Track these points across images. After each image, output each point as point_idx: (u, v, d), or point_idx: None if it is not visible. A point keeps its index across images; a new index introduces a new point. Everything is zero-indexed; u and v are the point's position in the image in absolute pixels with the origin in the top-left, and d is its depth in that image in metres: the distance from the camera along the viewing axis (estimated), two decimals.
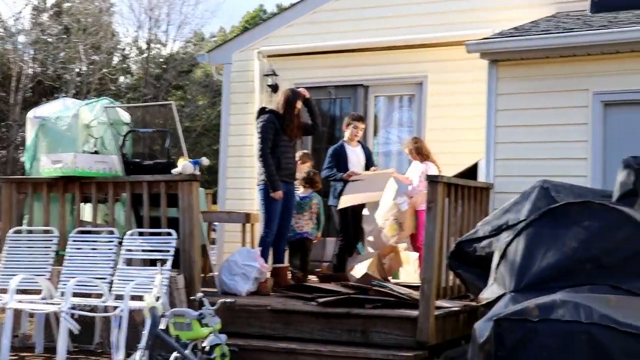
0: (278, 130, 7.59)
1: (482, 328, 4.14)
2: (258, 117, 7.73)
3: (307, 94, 7.82)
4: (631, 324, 3.96)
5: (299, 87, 8.23)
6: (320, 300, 6.64)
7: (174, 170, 7.24)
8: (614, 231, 4.63)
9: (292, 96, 7.72)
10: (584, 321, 4.02)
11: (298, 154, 8.82)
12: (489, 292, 4.92)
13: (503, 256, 4.84)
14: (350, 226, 8.23)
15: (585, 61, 7.42)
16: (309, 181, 8.40)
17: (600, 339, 4.01)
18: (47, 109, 8.46)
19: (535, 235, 4.78)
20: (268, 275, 7.68)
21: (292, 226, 8.12)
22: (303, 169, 8.71)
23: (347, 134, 8.34)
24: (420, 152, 8.28)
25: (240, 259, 7.47)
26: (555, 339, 4.07)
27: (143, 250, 7.19)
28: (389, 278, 7.96)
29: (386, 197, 8.26)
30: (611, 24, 7.41)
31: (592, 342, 4.01)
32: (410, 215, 8.07)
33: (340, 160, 8.26)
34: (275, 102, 7.95)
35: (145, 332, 5.80)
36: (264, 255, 7.59)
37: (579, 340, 4.01)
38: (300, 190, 8.34)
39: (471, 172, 8.07)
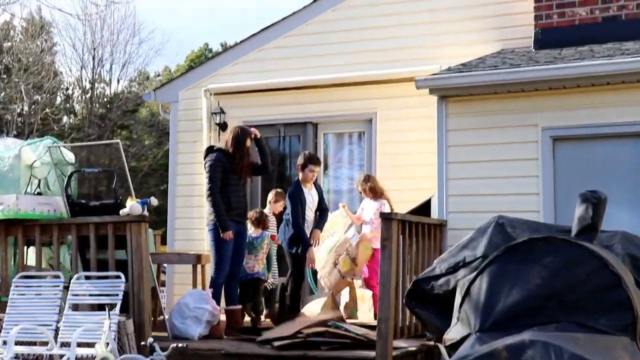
0: (227, 169, 7.47)
1: None
2: (206, 156, 7.61)
3: (257, 134, 7.72)
4: None
5: (248, 126, 8.13)
6: (276, 343, 6.49)
7: (122, 211, 7.06)
8: (577, 267, 4.57)
9: (241, 134, 7.61)
10: None
11: (271, 193, 8.69)
12: (453, 332, 4.82)
13: (466, 295, 4.75)
14: (303, 267, 8.06)
15: (533, 96, 7.50)
16: (259, 221, 8.25)
17: None
18: None
19: (498, 272, 4.71)
20: (221, 317, 7.49)
21: (243, 266, 7.95)
22: (277, 208, 8.58)
23: (302, 175, 8.14)
24: (374, 191, 8.28)
25: (191, 301, 7.29)
26: None
27: (90, 295, 6.97)
28: (345, 318, 7.83)
29: (337, 229, 8.21)
30: (556, 60, 7.52)
31: None
32: (362, 250, 8.00)
33: (300, 204, 8.07)
34: (224, 141, 7.82)
35: None
36: (216, 297, 7.41)
37: None
38: (251, 230, 8.20)
39: (424, 209, 8.05)
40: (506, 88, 7.53)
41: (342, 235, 8.25)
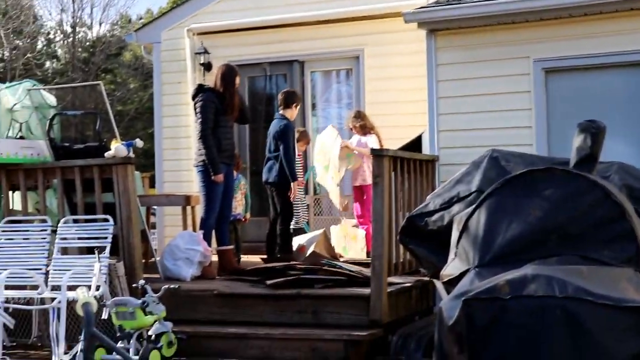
0: (218, 109, 7.28)
1: (450, 308, 3.93)
2: (196, 95, 7.39)
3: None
4: (607, 295, 3.80)
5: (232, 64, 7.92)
6: (269, 282, 6.45)
7: (107, 154, 6.92)
8: (580, 198, 4.46)
9: (229, 72, 7.41)
10: (558, 295, 3.82)
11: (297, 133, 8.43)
12: (451, 268, 4.74)
13: (464, 229, 4.65)
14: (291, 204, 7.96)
15: (525, 28, 7.35)
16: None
17: (576, 313, 3.81)
18: None
19: (497, 206, 4.60)
20: (213, 258, 7.43)
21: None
22: (301, 149, 8.58)
23: (290, 112, 7.95)
24: (364, 128, 8.20)
25: (182, 243, 7.22)
26: (529, 316, 3.86)
27: (79, 238, 6.88)
28: (338, 255, 7.81)
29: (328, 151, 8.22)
30: None
31: (568, 317, 3.81)
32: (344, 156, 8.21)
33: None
34: (212, 80, 7.59)
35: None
36: (207, 238, 7.33)
37: (554, 315, 3.79)
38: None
39: (415, 145, 7.96)
40: (497, 20, 7.37)
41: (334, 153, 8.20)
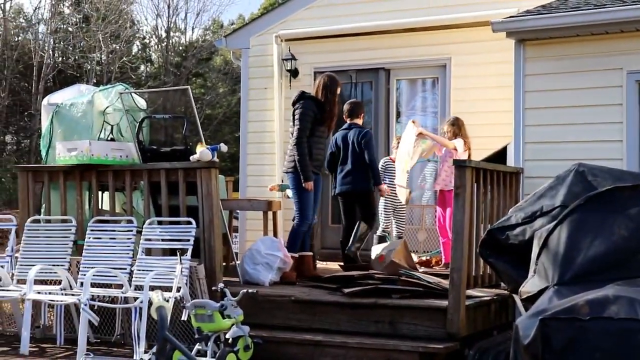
0: (317, 118, 7.35)
1: (526, 327, 3.81)
2: (297, 101, 7.44)
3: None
4: None
5: (321, 71, 7.98)
6: (347, 290, 6.44)
7: (192, 157, 7.06)
8: None
9: (331, 82, 7.46)
10: None
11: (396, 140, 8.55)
12: (530, 285, 4.61)
13: (544, 245, 4.52)
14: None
15: (619, 38, 7.11)
16: None
17: None
18: (62, 96, 8.30)
19: (580, 222, 4.45)
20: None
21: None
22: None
23: (362, 121, 8.09)
24: (456, 135, 8.09)
25: (263, 248, 7.29)
26: (609, 338, 3.70)
27: (162, 240, 7.04)
28: (417, 265, 7.73)
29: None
30: None
31: None
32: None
33: None
34: (313, 89, 7.61)
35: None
36: (296, 244, 7.40)
37: (636, 339, 3.65)
38: None
39: (500, 157, 7.80)
40: (589, 30, 7.15)
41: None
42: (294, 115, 7.40)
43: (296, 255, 7.44)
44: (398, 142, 8.52)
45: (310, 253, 7.70)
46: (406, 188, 8.36)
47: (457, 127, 8.15)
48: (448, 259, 7.39)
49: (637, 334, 3.69)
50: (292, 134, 7.41)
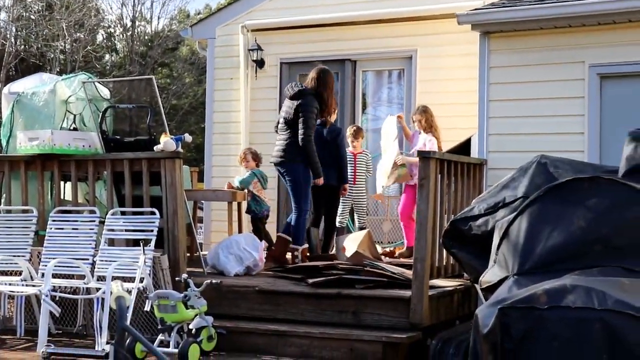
0: (317, 113, 7.44)
1: (485, 316, 3.84)
2: (299, 97, 7.39)
3: None
4: None
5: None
6: (311, 281, 6.44)
7: (156, 147, 7.00)
8: (626, 209, 4.32)
9: (324, 75, 7.49)
10: (597, 307, 3.69)
11: (352, 129, 8.59)
12: (490, 275, 4.66)
13: (505, 236, 4.56)
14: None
15: (581, 32, 7.20)
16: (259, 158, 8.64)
17: (615, 327, 3.69)
18: (23, 84, 8.19)
19: (540, 213, 4.49)
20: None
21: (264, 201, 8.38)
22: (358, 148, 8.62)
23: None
24: (429, 124, 8.06)
25: (244, 242, 7.30)
26: (567, 327, 3.75)
27: (126, 230, 6.97)
28: (381, 256, 7.76)
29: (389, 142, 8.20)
30: None
31: (607, 330, 3.69)
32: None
33: None
34: (306, 83, 7.57)
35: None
36: (303, 236, 7.48)
37: (593, 328, 3.67)
38: (252, 165, 8.49)
39: (464, 149, 7.86)
40: (552, 23, 7.23)
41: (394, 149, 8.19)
42: (297, 110, 7.34)
43: (306, 246, 7.56)
44: (354, 132, 8.53)
45: (289, 239, 7.66)
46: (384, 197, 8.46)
47: (428, 115, 8.11)
48: (410, 243, 7.49)
49: (594, 323, 3.74)
50: (281, 123, 7.49)
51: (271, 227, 8.94)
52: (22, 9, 24.08)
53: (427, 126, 8.09)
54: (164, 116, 7.61)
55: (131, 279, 6.40)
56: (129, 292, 6.20)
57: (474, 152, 7.60)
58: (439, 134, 8.16)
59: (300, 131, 7.30)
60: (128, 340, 5.69)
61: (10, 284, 6.82)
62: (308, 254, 7.67)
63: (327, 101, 7.48)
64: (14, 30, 24.07)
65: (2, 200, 7.72)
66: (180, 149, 6.99)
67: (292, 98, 7.45)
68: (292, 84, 7.63)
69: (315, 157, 7.35)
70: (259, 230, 8.37)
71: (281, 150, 7.46)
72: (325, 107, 7.49)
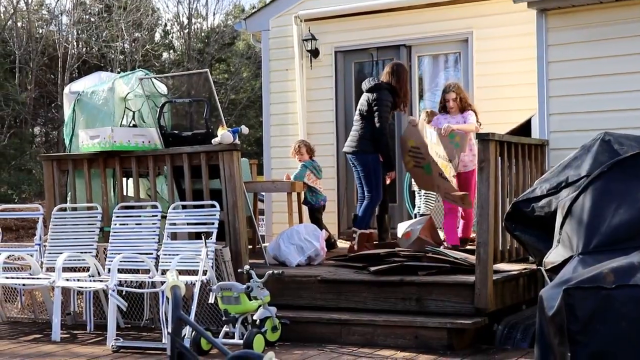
0: (391, 106, 7.68)
1: (550, 297, 3.73)
2: (375, 90, 7.66)
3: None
4: None
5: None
6: (373, 268, 6.41)
7: (213, 141, 7.05)
8: None
9: (398, 70, 7.72)
10: None
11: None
12: (554, 255, 4.52)
13: (568, 214, 4.42)
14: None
15: None
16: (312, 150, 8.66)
17: None
18: (82, 84, 8.31)
19: (604, 190, 4.34)
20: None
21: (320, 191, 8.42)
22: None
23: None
24: (463, 103, 7.67)
25: (304, 231, 7.38)
26: (636, 307, 3.60)
27: (187, 224, 7.04)
28: (443, 242, 7.66)
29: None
30: None
31: None
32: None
33: None
34: (383, 76, 7.80)
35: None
36: (367, 221, 7.61)
37: None
38: (305, 158, 8.52)
39: (524, 130, 7.70)
40: None
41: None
42: (371, 103, 7.59)
43: (367, 231, 7.66)
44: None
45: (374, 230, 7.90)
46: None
47: (463, 92, 7.72)
48: (450, 241, 7.31)
49: None
50: (357, 115, 7.76)
51: (330, 217, 8.93)
52: (82, 12, 24.58)
53: (466, 103, 7.68)
54: (220, 109, 7.65)
55: (194, 272, 6.47)
56: (193, 284, 6.27)
57: (535, 133, 7.44)
58: (475, 108, 7.79)
59: (376, 122, 7.53)
60: (193, 333, 5.75)
61: (78, 280, 6.96)
62: (376, 242, 7.77)
63: (401, 94, 7.68)
64: (75, 33, 24.59)
65: (68, 199, 7.88)
66: (237, 141, 7.02)
67: (368, 91, 7.71)
68: (369, 79, 7.90)
69: (389, 150, 7.66)
70: (317, 220, 8.37)
71: (354, 141, 7.68)
72: (399, 100, 7.69)
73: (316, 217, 8.41)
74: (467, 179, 7.46)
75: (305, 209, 8.68)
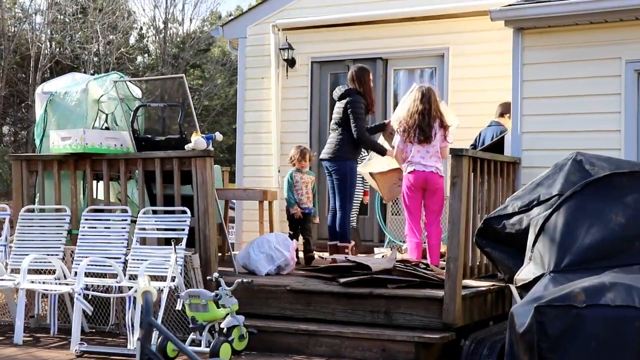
0: (365, 109, 7.67)
1: (521, 314, 3.75)
2: (346, 96, 7.67)
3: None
4: None
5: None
6: (342, 280, 6.39)
7: (186, 146, 7.00)
8: None
9: (361, 72, 7.73)
10: (637, 306, 3.59)
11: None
12: (525, 272, 4.55)
13: (540, 232, 4.46)
14: None
15: (618, 27, 7.05)
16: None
17: None
18: (56, 84, 8.23)
19: (577, 209, 4.38)
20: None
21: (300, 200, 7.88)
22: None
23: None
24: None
25: (275, 240, 7.28)
26: (605, 326, 3.64)
27: (157, 229, 6.99)
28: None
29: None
30: None
31: None
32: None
33: None
34: (348, 83, 7.82)
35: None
36: (348, 232, 7.60)
37: (632, 327, 3.59)
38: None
39: (497, 147, 7.74)
40: (588, 19, 7.09)
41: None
42: (346, 109, 7.58)
43: (351, 244, 7.71)
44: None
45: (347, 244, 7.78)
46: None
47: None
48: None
49: (634, 321, 3.63)
50: (332, 124, 7.73)
51: None
52: (57, 12, 24.37)
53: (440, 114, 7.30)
54: (194, 115, 7.60)
55: (163, 278, 6.41)
56: (161, 290, 6.21)
57: (508, 150, 7.49)
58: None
59: (353, 126, 7.53)
60: (160, 339, 5.69)
61: (43, 283, 6.87)
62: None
63: (367, 98, 7.70)
64: (49, 33, 24.36)
65: (36, 200, 7.78)
66: (211, 148, 6.99)
67: (340, 98, 7.72)
68: (339, 87, 7.94)
69: (376, 143, 7.63)
70: (298, 227, 7.96)
71: (331, 147, 7.66)
72: (369, 101, 7.72)
73: (299, 224, 8.07)
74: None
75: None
